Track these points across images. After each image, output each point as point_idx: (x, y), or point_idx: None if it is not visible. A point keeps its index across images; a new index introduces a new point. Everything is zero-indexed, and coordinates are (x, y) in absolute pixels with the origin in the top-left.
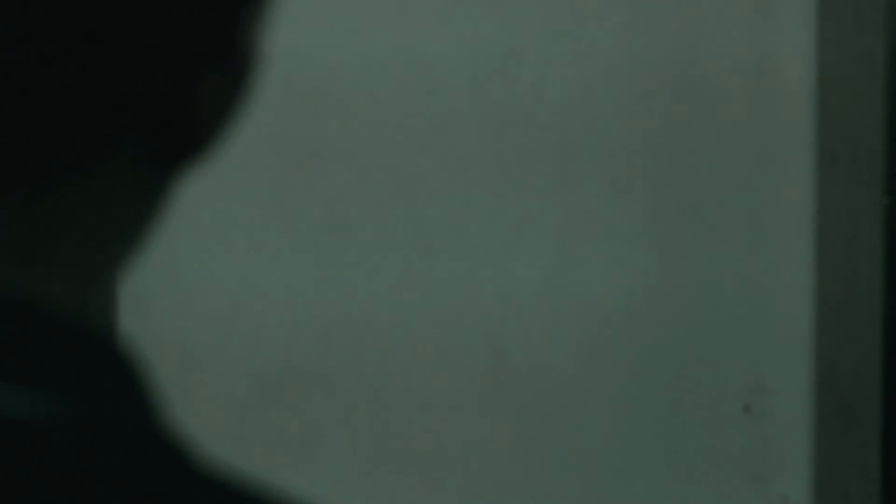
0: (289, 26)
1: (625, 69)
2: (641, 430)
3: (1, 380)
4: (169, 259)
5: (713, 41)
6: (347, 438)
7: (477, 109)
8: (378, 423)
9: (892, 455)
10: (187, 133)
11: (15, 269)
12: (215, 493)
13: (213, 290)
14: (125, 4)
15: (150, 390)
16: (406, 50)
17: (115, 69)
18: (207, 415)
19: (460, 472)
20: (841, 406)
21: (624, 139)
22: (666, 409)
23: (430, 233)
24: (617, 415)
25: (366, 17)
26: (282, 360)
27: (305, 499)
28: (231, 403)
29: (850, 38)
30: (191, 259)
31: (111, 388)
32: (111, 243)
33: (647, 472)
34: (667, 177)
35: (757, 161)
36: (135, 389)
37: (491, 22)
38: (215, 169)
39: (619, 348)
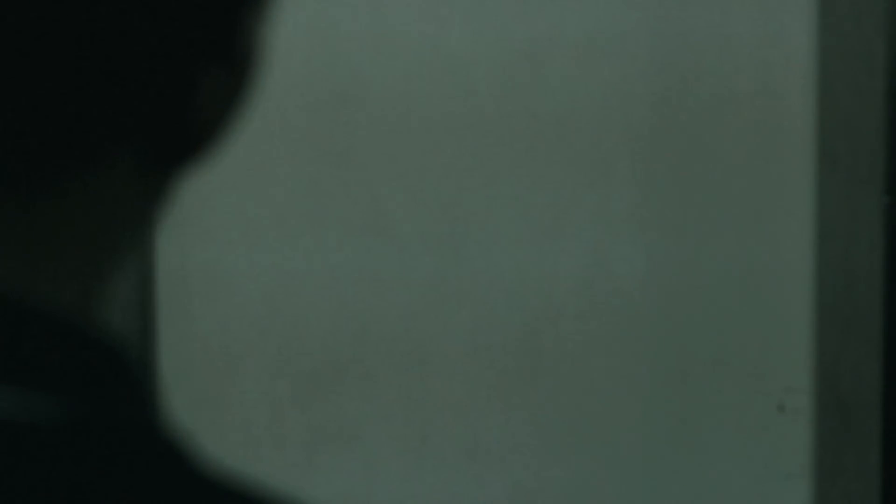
0: (324, 27)
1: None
2: (665, 424)
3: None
4: (208, 260)
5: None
6: (386, 433)
7: (510, 106)
8: (416, 417)
9: (892, 455)
10: (189, 132)
11: (15, 269)
12: (215, 493)
13: (253, 289)
14: (127, 3)
15: (149, 390)
16: (440, 49)
17: (116, 68)
18: (248, 412)
19: (498, 466)
20: (841, 406)
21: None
22: (683, 404)
23: (466, 229)
24: (647, 410)
25: (400, 16)
26: (321, 357)
27: (305, 500)
28: (271, 400)
29: (850, 38)
30: (230, 260)
31: (110, 388)
32: (112, 242)
33: (671, 461)
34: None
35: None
36: (134, 390)
37: (521, 20)
38: (254, 170)
39: (641, 341)
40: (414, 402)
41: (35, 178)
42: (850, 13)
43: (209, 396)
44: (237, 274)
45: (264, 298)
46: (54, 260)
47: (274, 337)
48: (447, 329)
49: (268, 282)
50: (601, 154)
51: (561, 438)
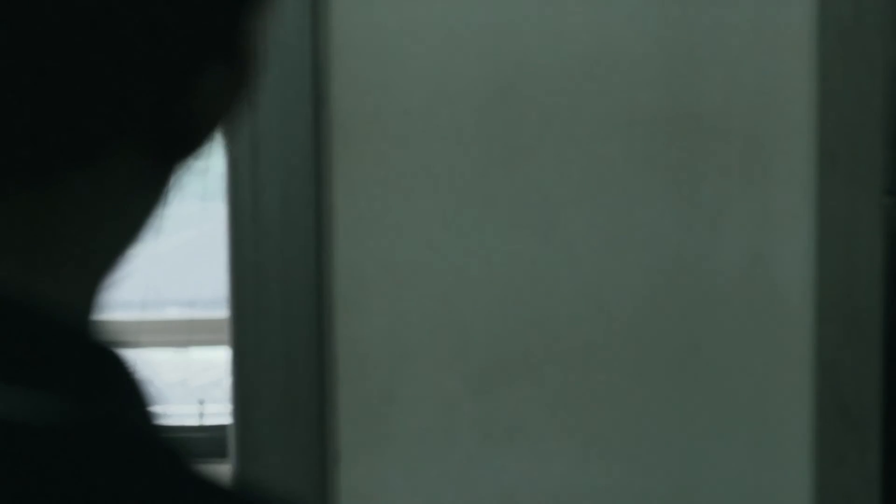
0: (491, 24)
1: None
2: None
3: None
4: (384, 258)
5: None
6: (554, 428)
7: (669, 106)
8: (583, 412)
9: (892, 455)
10: (189, 127)
11: (15, 268)
12: (210, 493)
13: (426, 287)
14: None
15: (145, 391)
16: (607, 43)
17: (117, 63)
18: (420, 408)
19: (661, 461)
20: (841, 406)
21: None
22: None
23: (630, 224)
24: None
25: (566, 9)
26: (491, 353)
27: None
28: (443, 396)
29: (850, 38)
30: (404, 258)
31: (107, 388)
32: (113, 237)
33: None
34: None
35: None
36: (130, 390)
37: (677, 18)
38: (427, 169)
39: None
40: (580, 396)
41: (37, 174)
42: (850, 13)
43: (383, 393)
44: (411, 272)
45: (437, 296)
46: (55, 255)
47: (446, 334)
48: (611, 325)
49: (441, 280)
50: (764, 151)
51: (719, 433)
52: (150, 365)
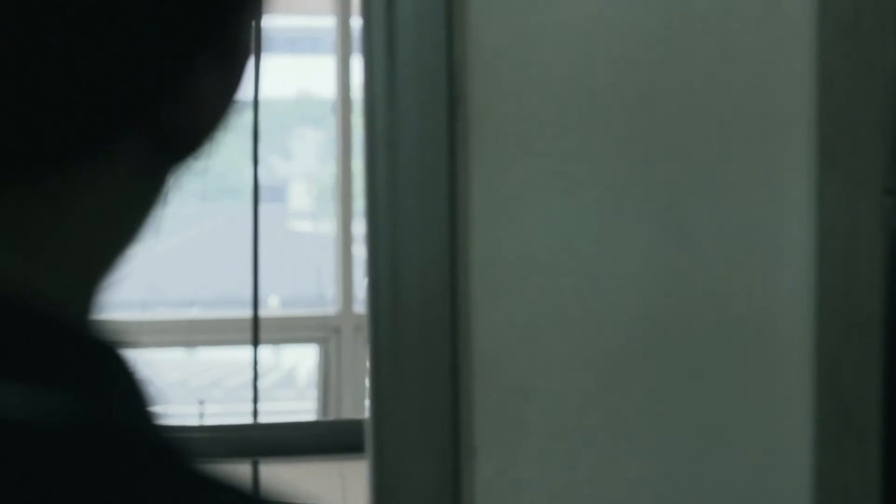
0: (628, 28)
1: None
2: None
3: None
4: (521, 253)
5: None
6: (681, 423)
7: (796, 104)
8: (711, 406)
9: (892, 455)
10: (187, 128)
11: (15, 268)
12: (210, 489)
13: (558, 284)
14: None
15: (145, 389)
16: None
17: (116, 64)
18: (554, 403)
19: (804, 455)
20: (841, 406)
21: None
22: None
23: (758, 222)
24: None
25: (693, 21)
26: (624, 350)
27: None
28: (576, 390)
29: (850, 38)
30: (540, 253)
31: (107, 386)
32: (112, 238)
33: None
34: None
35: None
36: (131, 389)
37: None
38: (563, 167)
39: None
40: (708, 390)
41: (36, 175)
42: (850, 13)
43: (517, 388)
44: (546, 269)
45: (571, 292)
46: (54, 254)
47: (580, 329)
48: (737, 318)
49: (574, 276)
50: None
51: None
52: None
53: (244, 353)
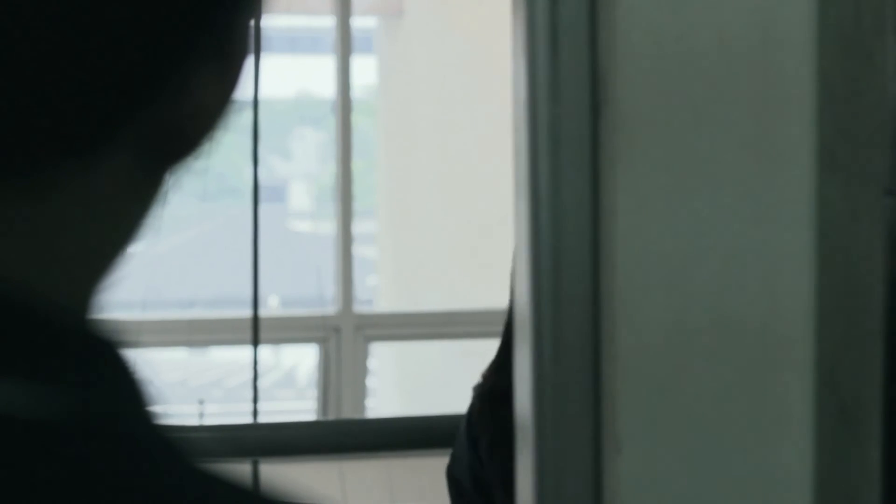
0: (763, 31)
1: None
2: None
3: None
4: (662, 255)
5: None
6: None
7: None
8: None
9: (892, 455)
10: (184, 128)
11: (14, 264)
12: (210, 487)
13: (700, 282)
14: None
15: (146, 388)
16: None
17: (113, 65)
18: (696, 400)
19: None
20: (841, 406)
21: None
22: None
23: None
24: None
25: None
26: (764, 347)
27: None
28: (715, 388)
29: (850, 38)
30: (681, 255)
31: (108, 386)
32: (109, 238)
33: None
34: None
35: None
36: (131, 388)
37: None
38: (703, 170)
39: None
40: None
41: (33, 175)
42: (850, 13)
43: (661, 385)
44: (688, 267)
45: (713, 290)
46: (52, 255)
47: (721, 327)
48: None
49: (716, 274)
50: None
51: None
52: (150, 365)
53: (244, 353)
